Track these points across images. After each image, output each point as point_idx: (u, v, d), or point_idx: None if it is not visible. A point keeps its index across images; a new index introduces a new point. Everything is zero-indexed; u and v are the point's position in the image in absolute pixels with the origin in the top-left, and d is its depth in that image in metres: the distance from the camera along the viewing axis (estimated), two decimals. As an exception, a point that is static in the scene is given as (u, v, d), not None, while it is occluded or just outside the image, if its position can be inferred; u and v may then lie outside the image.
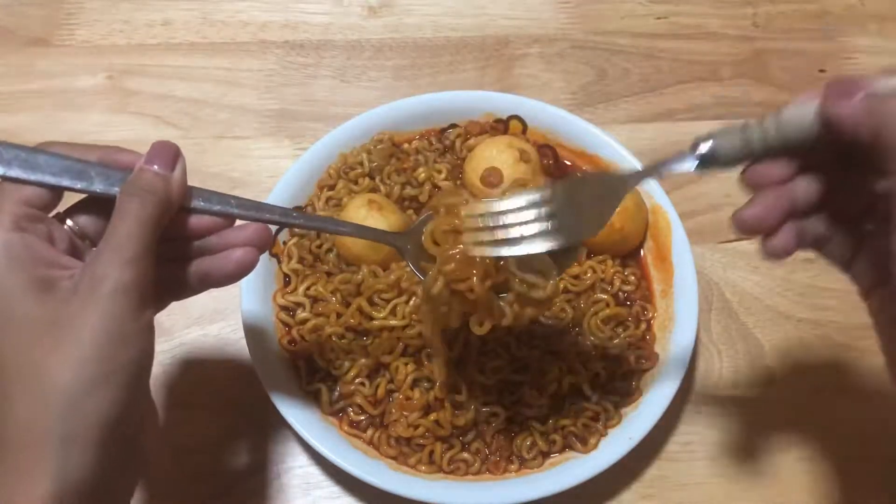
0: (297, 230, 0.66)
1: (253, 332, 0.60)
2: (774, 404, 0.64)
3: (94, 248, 0.41)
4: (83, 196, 0.44)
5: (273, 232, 0.46)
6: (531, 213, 0.45)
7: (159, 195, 0.42)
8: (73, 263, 0.41)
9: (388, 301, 0.61)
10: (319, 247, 0.65)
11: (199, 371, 0.64)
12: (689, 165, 0.43)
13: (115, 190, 0.42)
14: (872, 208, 0.43)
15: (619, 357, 0.61)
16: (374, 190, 0.67)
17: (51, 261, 0.40)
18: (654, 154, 0.74)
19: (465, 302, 0.48)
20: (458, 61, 0.81)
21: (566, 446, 0.59)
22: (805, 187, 0.43)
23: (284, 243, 0.65)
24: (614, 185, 0.46)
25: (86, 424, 0.37)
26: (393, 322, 0.60)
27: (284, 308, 0.63)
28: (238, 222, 0.46)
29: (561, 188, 0.46)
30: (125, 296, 0.39)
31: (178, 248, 0.46)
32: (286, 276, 0.64)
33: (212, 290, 0.67)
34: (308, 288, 0.63)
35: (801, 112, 0.40)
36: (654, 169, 0.45)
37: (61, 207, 0.44)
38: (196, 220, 0.45)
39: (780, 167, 0.43)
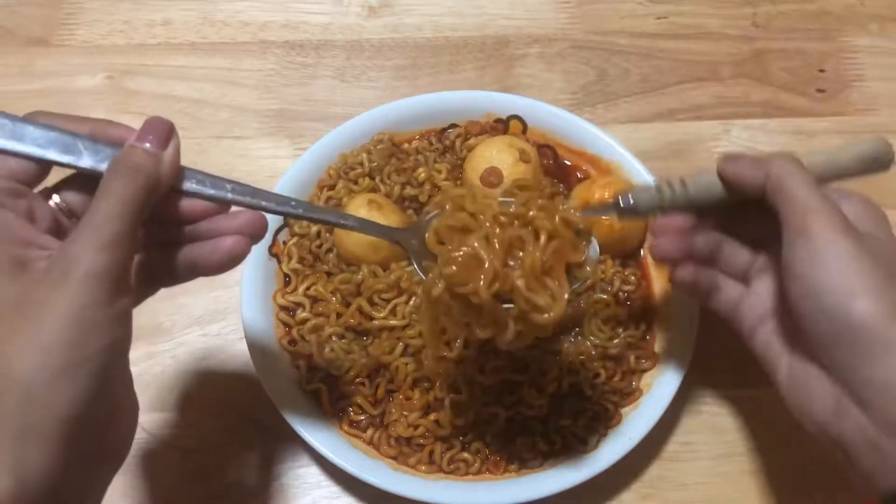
0: (296, 230, 0.66)
1: (253, 333, 0.60)
2: (775, 404, 0.64)
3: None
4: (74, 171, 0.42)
5: (268, 220, 0.44)
6: None
7: (148, 175, 0.39)
8: (51, 243, 0.38)
9: (388, 301, 0.61)
10: (319, 247, 0.65)
11: (198, 371, 0.64)
12: (612, 213, 0.53)
13: (104, 167, 0.40)
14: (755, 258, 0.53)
15: (619, 357, 0.61)
16: (374, 190, 0.67)
17: (27, 240, 0.37)
18: (655, 153, 0.75)
19: (468, 308, 0.45)
20: (458, 61, 0.81)
21: (566, 446, 0.59)
22: (704, 239, 0.53)
23: (284, 243, 0.65)
24: None
25: (46, 418, 0.34)
26: (393, 322, 0.60)
27: (284, 308, 0.63)
28: (234, 209, 0.44)
29: None
30: (98, 281, 0.36)
31: (167, 233, 0.43)
32: (286, 276, 0.64)
33: (212, 290, 0.67)
34: (308, 288, 0.63)
35: (706, 178, 0.51)
36: (583, 211, 0.52)
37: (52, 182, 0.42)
38: (188, 204, 0.43)
39: (681, 220, 0.53)
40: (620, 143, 0.69)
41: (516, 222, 0.46)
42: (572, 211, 0.46)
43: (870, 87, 0.81)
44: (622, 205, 0.52)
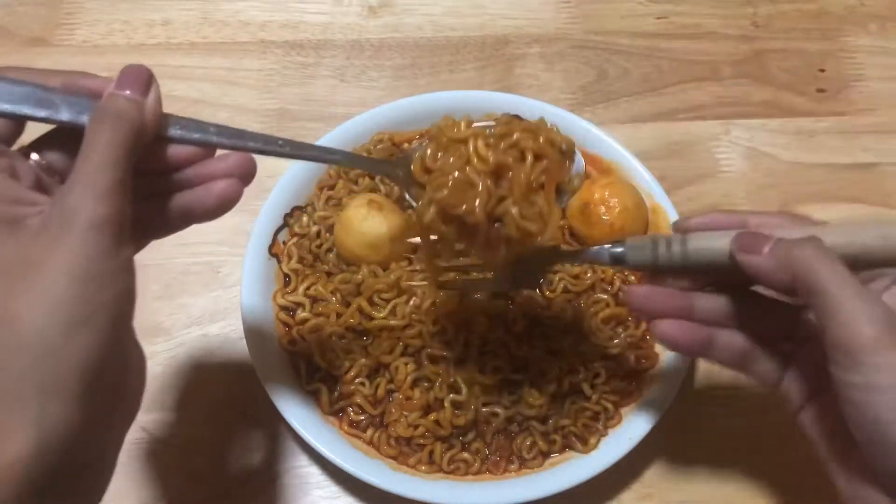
0: (296, 230, 0.66)
1: (253, 332, 0.60)
2: (775, 403, 0.64)
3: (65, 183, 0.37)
4: (50, 128, 0.40)
5: (256, 161, 0.44)
6: None
7: (132, 122, 0.38)
8: (40, 199, 0.37)
9: (387, 301, 0.61)
10: (319, 246, 0.65)
11: (199, 371, 0.64)
12: (604, 261, 0.50)
13: (84, 119, 0.38)
14: (794, 330, 0.47)
15: (619, 357, 0.61)
16: (374, 189, 0.67)
17: (15, 197, 0.36)
18: (655, 153, 0.75)
19: (461, 232, 0.45)
20: (458, 61, 0.81)
21: (566, 446, 0.59)
22: (707, 300, 0.48)
23: (284, 243, 0.65)
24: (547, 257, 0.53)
25: (65, 372, 0.33)
26: (393, 322, 0.60)
27: (284, 308, 0.63)
28: (220, 153, 0.43)
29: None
30: (100, 231, 0.35)
31: (156, 183, 0.42)
32: (286, 275, 0.64)
33: (212, 290, 0.67)
34: (308, 288, 0.63)
35: (708, 244, 0.46)
36: (577, 256, 0.54)
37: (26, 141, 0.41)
38: (174, 150, 0.42)
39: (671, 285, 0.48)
40: (620, 143, 0.69)
41: (502, 144, 0.46)
42: (555, 130, 0.46)
43: (870, 86, 0.81)
44: (612, 255, 0.49)
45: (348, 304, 0.61)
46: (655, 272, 0.49)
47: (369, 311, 0.61)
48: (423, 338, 0.60)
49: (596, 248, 0.50)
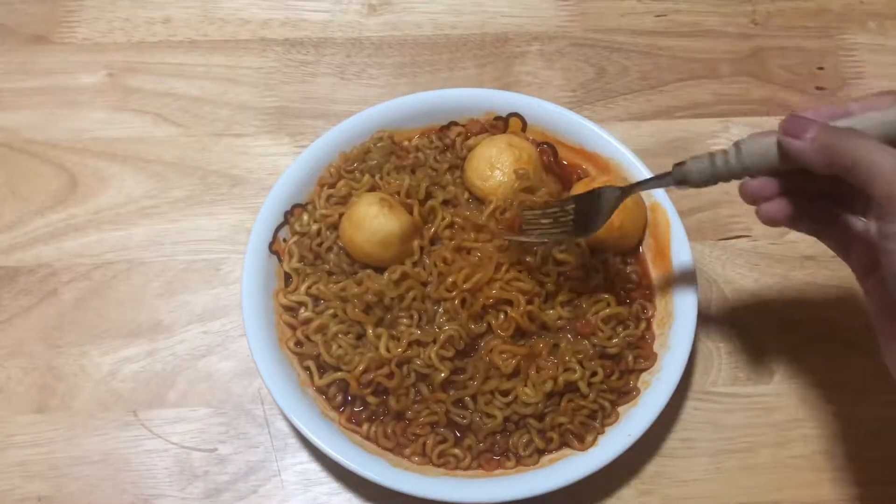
0: (297, 228, 0.65)
1: (254, 329, 0.60)
2: (772, 401, 0.65)
3: None
4: None
5: None
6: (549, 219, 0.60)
7: None
8: None
9: (408, 312, 0.62)
10: (320, 245, 0.65)
11: (200, 368, 0.65)
12: (668, 184, 0.53)
13: None
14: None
15: (617, 356, 0.61)
16: (375, 188, 0.67)
17: None
18: (654, 151, 0.75)
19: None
20: (458, 59, 0.81)
21: (563, 444, 0.59)
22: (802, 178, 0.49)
23: (285, 241, 0.65)
24: (610, 197, 0.57)
25: None
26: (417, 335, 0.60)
27: (288, 308, 0.63)
28: None
29: (574, 199, 0.59)
30: None
31: None
32: (287, 274, 0.64)
33: (213, 287, 0.68)
34: (310, 287, 0.63)
35: (760, 144, 0.49)
36: (641, 185, 0.57)
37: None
38: None
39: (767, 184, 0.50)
40: (620, 141, 0.69)
41: None
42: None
43: (869, 84, 0.81)
44: (676, 175, 0.52)
45: (368, 311, 0.61)
46: (717, 182, 0.51)
47: (397, 335, 0.61)
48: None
49: (659, 174, 0.55)
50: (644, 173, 0.67)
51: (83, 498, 0.59)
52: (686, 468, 0.62)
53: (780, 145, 0.47)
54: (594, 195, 0.58)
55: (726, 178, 0.51)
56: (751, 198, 0.50)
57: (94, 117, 0.76)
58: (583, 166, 0.70)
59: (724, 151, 0.50)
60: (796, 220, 0.50)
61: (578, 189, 0.66)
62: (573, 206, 0.59)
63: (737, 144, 0.49)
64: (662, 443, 0.62)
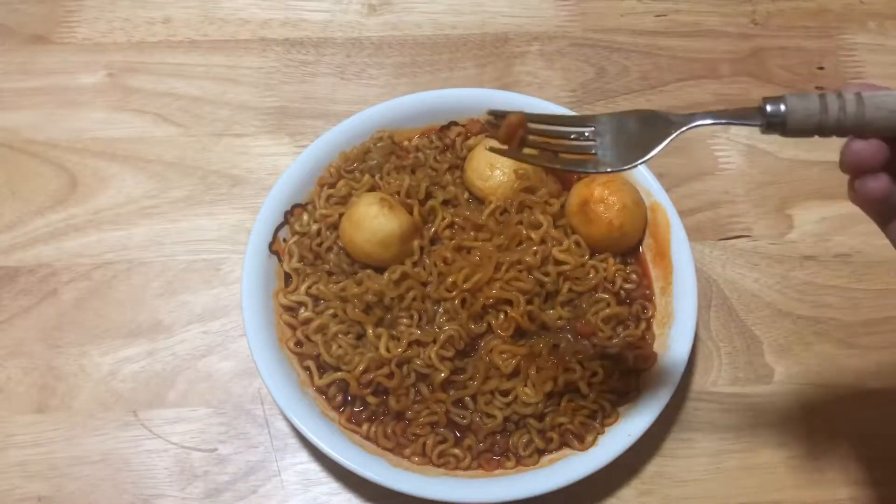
0: (297, 228, 0.65)
1: (254, 329, 0.60)
2: (772, 400, 0.65)
3: None
4: None
5: None
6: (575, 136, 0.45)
7: None
8: None
9: (408, 313, 0.62)
10: (320, 245, 0.65)
11: (200, 368, 0.65)
12: (753, 121, 0.41)
13: None
14: None
15: (617, 356, 0.61)
16: (375, 188, 0.67)
17: None
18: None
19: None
20: (458, 59, 0.81)
21: (563, 444, 0.59)
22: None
23: (285, 241, 0.65)
24: (663, 124, 0.45)
25: None
26: (418, 335, 0.60)
27: (288, 308, 0.63)
28: None
29: (608, 119, 0.45)
30: None
31: None
32: (287, 274, 0.64)
33: (213, 287, 0.68)
34: (310, 287, 0.63)
35: (892, 98, 0.38)
36: (712, 116, 0.43)
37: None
38: None
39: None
40: (620, 141, 0.69)
41: None
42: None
43: (869, 84, 0.81)
44: (769, 112, 0.40)
45: (368, 311, 0.61)
46: (814, 135, 0.40)
47: (397, 335, 0.61)
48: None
49: (742, 108, 0.42)
50: (644, 173, 0.67)
51: (83, 498, 0.59)
52: (686, 468, 0.62)
53: None
54: (641, 117, 0.45)
55: (831, 131, 0.39)
56: (855, 165, 0.40)
57: (94, 117, 0.76)
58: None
59: (839, 95, 0.39)
60: (893, 206, 0.41)
61: (579, 189, 0.66)
62: (608, 124, 0.45)
63: (857, 94, 0.39)
64: (662, 443, 0.62)
